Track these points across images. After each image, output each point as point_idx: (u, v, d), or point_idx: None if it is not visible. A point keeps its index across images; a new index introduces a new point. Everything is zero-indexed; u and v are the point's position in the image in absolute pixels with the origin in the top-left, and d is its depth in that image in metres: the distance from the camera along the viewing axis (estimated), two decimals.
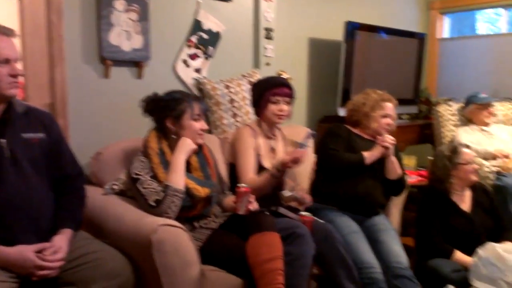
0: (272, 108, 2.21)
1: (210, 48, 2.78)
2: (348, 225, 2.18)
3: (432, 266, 2.22)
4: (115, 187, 2.05)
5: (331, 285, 1.96)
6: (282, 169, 2.06)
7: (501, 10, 4.15)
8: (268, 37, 3.06)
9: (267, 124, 2.27)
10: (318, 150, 2.45)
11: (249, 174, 2.13)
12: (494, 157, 2.97)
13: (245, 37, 3.01)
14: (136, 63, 2.46)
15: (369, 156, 2.28)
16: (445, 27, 4.31)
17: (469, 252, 2.16)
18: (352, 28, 3.23)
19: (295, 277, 1.74)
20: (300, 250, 1.80)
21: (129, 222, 1.76)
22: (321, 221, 2.09)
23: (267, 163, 2.19)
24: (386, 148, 2.29)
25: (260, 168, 2.17)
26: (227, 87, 2.71)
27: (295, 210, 2.16)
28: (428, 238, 2.33)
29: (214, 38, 2.79)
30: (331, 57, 3.41)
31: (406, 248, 2.21)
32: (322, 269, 1.97)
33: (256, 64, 3.04)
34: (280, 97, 2.20)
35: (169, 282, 1.63)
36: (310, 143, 2.07)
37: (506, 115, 3.33)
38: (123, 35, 2.36)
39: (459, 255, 2.23)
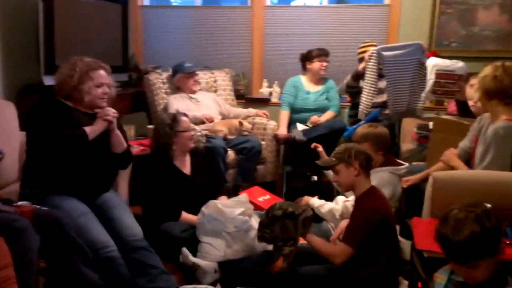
0: None
1: None
2: (76, 207, 2.03)
3: (163, 230, 2.33)
4: None
5: (66, 274, 1.82)
6: None
7: None
8: None
9: None
10: (29, 129, 2.11)
11: None
12: (201, 121, 3.28)
13: None
14: None
15: (91, 131, 2.10)
16: None
17: (195, 211, 2.36)
18: None
19: (23, 277, 1.56)
20: (23, 246, 1.62)
21: None
22: (44, 208, 1.88)
23: None
24: (109, 121, 2.17)
25: None
26: None
27: (9, 201, 1.87)
28: (155, 204, 2.42)
29: None
30: (29, 17, 2.96)
31: (137, 217, 2.21)
32: (52, 260, 1.81)
33: None
34: None
35: None
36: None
37: (207, 83, 3.70)
38: None
39: (185, 216, 2.42)
